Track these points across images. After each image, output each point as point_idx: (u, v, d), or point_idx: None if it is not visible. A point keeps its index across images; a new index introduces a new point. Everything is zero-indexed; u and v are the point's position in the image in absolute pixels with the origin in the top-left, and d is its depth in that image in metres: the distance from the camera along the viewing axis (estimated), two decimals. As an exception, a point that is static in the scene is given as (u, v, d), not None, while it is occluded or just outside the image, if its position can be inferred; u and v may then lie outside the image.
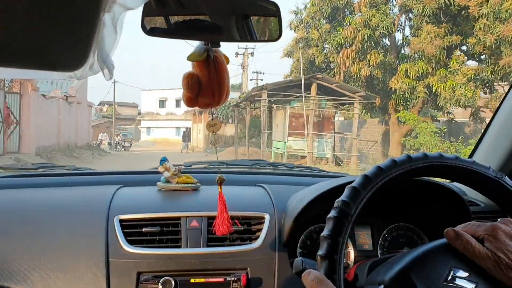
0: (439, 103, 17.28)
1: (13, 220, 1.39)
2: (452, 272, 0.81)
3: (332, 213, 0.81)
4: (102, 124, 44.62)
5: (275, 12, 0.98)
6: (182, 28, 0.94)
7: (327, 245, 0.79)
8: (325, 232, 0.80)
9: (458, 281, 0.79)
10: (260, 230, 1.40)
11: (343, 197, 0.82)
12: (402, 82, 17.53)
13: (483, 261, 0.80)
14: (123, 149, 32.42)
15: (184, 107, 40.17)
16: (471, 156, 1.76)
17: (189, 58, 0.96)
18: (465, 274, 0.80)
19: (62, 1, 0.54)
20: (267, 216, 1.43)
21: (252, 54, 33.71)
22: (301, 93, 18.21)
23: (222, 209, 1.34)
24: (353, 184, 0.83)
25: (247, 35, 0.99)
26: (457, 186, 1.57)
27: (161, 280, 1.27)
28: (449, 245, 0.85)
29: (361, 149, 20.70)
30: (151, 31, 0.92)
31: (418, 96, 17.71)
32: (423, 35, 16.79)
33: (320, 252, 0.79)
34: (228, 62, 1.01)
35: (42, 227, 1.37)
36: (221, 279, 1.31)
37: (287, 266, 1.34)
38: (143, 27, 0.90)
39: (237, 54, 33.54)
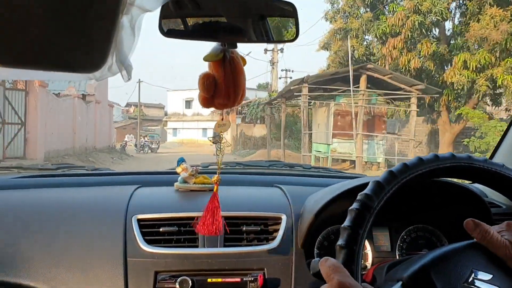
0: (504, 96, 15.15)
1: (33, 219, 1.42)
2: (473, 274, 0.80)
3: (354, 205, 0.81)
4: (128, 126, 44.33)
5: (292, 13, 0.98)
6: (199, 30, 0.94)
7: (347, 235, 0.78)
8: (346, 223, 0.80)
9: (479, 283, 0.78)
10: (277, 230, 1.40)
11: (366, 190, 0.82)
12: (461, 74, 15.11)
13: (501, 250, 0.82)
14: (150, 151, 31.45)
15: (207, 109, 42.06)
16: (491, 157, 1.73)
17: (205, 58, 0.97)
18: (487, 277, 0.79)
19: (81, 4, 0.55)
20: (284, 217, 1.43)
21: (281, 50, 31.78)
22: (346, 87, 15.44)
23: (213, 209, 1.32)
24: (377, 179, 0.83)
25: (264, 36, 0.99)
26: (478, 187, 1.55)
27: (178, 279, 1.28)
28: (472, 246, 0.85)
29: (402, 150, 18.20)
30: (169, 33, 0.93)
31: (479, 91, 15.22)
32: (486, 20, 14.51)
33: (339, 242, 0.79)
34: (245, 63, 1.00)
35: (61, 226, 1.39)
36: (238, 279, 1.31)
37: (304, 267, 1.34)
38: (161, 28, 0.91)
39: (266, 50, 31.97)
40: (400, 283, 0.83)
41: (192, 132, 43.76)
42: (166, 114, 49.95)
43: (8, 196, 1.58)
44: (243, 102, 21.80)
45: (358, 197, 0.82)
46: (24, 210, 1.46)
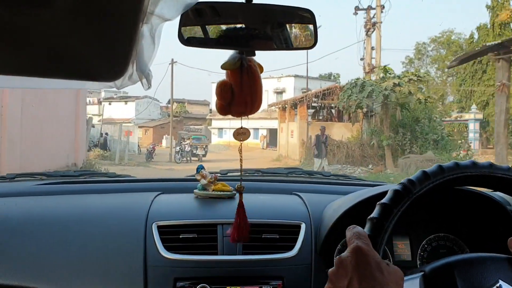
0: None
1: (55, 226, 1.44)
2: (498, 284, 0.78)
3: (373, 214, 0.81)
4: (167, 124, 37.22)
5: (310, 20, 0.98)
6: (218, 38, 0.95)
7: (381, 209, 0.79)
8: (383, 200, 0.81)
9: None
10: (296, 238, 1.39)
11: (385, 199, 0.83)
12: None
13: None
14: (195, 159, 23.81)
15: (264, 103, 35.41)
16: None
17: (223, 66, 0.97)
18: None
19: (101, 15, 0.56)
20: (303, 225, 1.42)
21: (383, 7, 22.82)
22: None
23: (242, 216, 1.33)
24: (397, 187, 0.83)
25: (283, 43, 1.00)
26: (500, 195, 1.52)
27: (198, 287, 1.28)
28: (508, 260, 0.83)
29: None
30: (188, 41, 0.94)
31: None
32: None
33: (371, 215, 0.79)
34: (262, 70, 1.01)
35: (82, 233, 1.41)
36: (257, 287, 1.31)
37: (323, 275, 1.32)
38: (180, 37, 0.92)
39: (357, 9, 23.53)
40: (421, 273, 0.82)
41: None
42: (211, 111, 43.21)
43: (32, 202, 1.61)
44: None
45: (377, 206, 0.81)
46: (47, 217, 1.49)
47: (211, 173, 1.65)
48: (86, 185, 1.83)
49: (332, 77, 41.02)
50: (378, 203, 0.83)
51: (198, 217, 1.45)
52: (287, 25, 0.99)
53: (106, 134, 27.99)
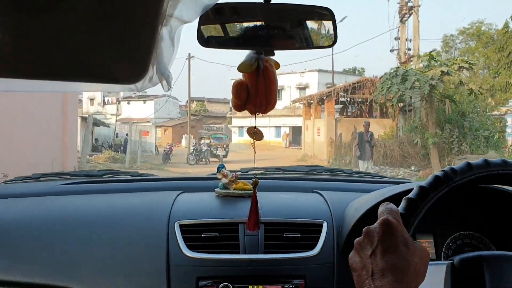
0: None
1: (79, 225, 1.46)
2: None
3: (437, 173, 0.82)
4: (186, 123, 35.34)
5: (329, 17, 0.97)
6: (237, 38, 0.95)
7: (418, 191, 0.80)
8: (422, 183, 0.82)
9: None
10: (317, 237, 1.39)
11: (410, 195, 0.83)
12: None
13: None
14: (214, 160, 22.34)
15: (285, 99, 33.17)
16: None
17: (240, 68, 0.98)
18: None
19: (121, 19, 0.56)
20: (325, 224, 1.41)
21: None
22: None
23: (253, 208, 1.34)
24: (422, 184, 0.83)
25: (303, 42, 0.99)
26: None
27: (220, 285, 1.28)
28: None
29: None
30: (207, 42, 0.94)
31: None
32: None
33: (408, 195, 0.80)
34: (278, 67, 1.02)
35: (106, 232, 1.43)
36: (279, 286, 1.31)
37: (346, 274, 1.31)
38: (199, 38, 0.92)
39: None
40: (449, 262, 0.81)
41: (263, 130, 37.49)
42: (231, 109, 40.17)
43: (57, 202, 1.64)
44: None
45: (415, 187, 0.81)
46: (72, 216, 1.52)
47: (231, 172, 1.65)
48: (109, 185, 1.85)
49: (356, 72, 39.50)
50: (417, 185, 0.83)
51: (219, 216, 1.45)
52: (306, 24, 0.98)
53: (127, 134, 26.41)
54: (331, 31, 0.99)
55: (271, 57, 0.99)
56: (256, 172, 2.10)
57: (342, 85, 22.07)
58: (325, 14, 0.97)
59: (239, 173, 1.68)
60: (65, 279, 1.33)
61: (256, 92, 0.97)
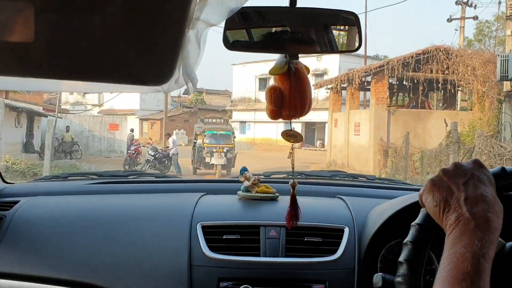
0: None
1: (105, 224, 1.50)
2: None
3: (416, 221, 0.80)
4: (178, 116, 32.62)
5: (354, 22, 0.98)
6: (262, 42, 0.96)
7: (407, 251, 0.79)
8: (407, 239, 0.80)
9: None
10: (339, 242, 1.38)
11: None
12: None
13: None
14: (208, 171, 14.94)
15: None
16: None
17: (271, 72, 0.99)
18: None
19: (149, 22, 0.58)
20: (346, 229, 1.41)
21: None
22: None
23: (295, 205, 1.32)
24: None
25: (327, 46, 1.00)
26: None
27: (241, 287, 1.29)
28: None
29: None
30: (232, 46, 0.95)
31: None
32: None
33: (400, 258, 0.79)
34: (308, 72, 1.01)
35: (130, 231, 1.46)
36: None
37: (366, 280, 1.30)
38: (225, 41, 0.94)
39: None
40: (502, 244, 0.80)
41: (267, 128, 27.81)
42: (232, 101, 34.94)
43: (83, 201, 1.68)
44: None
45: (421, 212, 0.80)
46: (97, 215, 1.55)
47: (254, 174, 1.66)
48: (134, 185, 1.89)
49: (378, 59, 30.91)
50: (422, 208, 0.81)
51: (241, 219, 1.46)
52: (331, 28, 0.98)
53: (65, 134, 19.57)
54: (356, 35, 0.99)
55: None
56: (278, 176, 2.10)
57: (400, 56, 14.90)
58: (350, 18, 0.97)
59: (262, 176, 1.69)
60: (89, 276, 1.36)
61: (290, 95, 0.97)
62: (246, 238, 1.40)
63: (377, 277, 0.98)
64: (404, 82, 15.58)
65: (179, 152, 15.90)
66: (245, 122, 31.76)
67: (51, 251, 1.43)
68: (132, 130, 20.47)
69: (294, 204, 1.31)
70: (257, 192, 1.60)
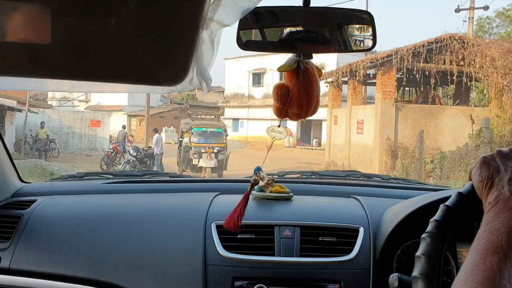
0: None
1: (120, 223, 1.51)
2: None
3: (434, 217, 0.79)
4: (168, 113, 30.44)
5: (369, 21, 0.97)
6: (276, 42, 0.96)
7: (425, 245, 0.78)
8: (462, 190, 0.79)
9: None
10: (354, 242, 1.37)
11: (448, 203, 0.79)
12: None
13: None
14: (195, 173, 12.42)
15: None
16: None
17: (280, 69, 0.98)
18: None
19: (164, 22, 0.58)
20: (361, 229, 1.40)
21: None
22: None
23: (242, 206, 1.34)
24: (461, 191, 0.80)
25: (341, 46, 0.99)
26: None
27: (255, 286, 1.29)
28: None
29: None
30: (246, 45, 0.95)
31: None
32: None
33: (446, 203, 0.79)
34: (320, 74, 1.01)
35: (145, 230, 1.47)
36: None
37: (382, 280, 1.30)
38: (238, 41, 0.94)
39: None
40: None
41: (261, 125, 25.50)
42: (224, 97, 32.93)
43: (99, 200, 1.70)
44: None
45: (439, 210, 0.79)
46: (113, 214, 1.57)
47: (268, 174, 1.66)
48: (149, 185, 1.90)
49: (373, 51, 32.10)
50: (440, 205, 0.81)
51: (255, 218, 1.46)
52: (345, 27, 0.98)
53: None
54: (370, 34, 0.98)
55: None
56: (292, 176, 2.10)
57: (410, 45, 13.37)
58: (364, 17, 0.97)
59: (276, 176, 1.68)
60: (105, 274, 1.38)
61: (297, 93, 0.97)
62: (260, 237, 1.40)
63: (393, 277, 0.97)
64: (411, 76, 14.14)
65: (168, 151, 14.55)
66: (238, 119, 29.82)
67: (67, 250, 1.45)
68: (124, 127, 18.55)
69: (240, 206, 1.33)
70: (271, 192, 1.60)
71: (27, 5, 0.57)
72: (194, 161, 13.10)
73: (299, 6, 0.90)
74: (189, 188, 1.86)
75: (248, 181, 1.82)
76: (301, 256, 1.35)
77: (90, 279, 1.38)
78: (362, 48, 1.01)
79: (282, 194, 1.60)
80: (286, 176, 2.04)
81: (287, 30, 0.97)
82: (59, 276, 1.40)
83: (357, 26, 1.01)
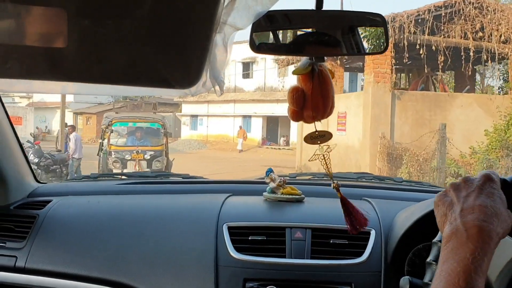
0: None
1: (134, 223, 1.53)
2: None
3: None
4: (120, 110, 17.89)
5: (381, 23, 0.97)
6: (288, 45, 0.97)
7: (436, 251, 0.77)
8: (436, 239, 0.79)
9: None
10: (365, 245, 1.37)
11: None
12: None
13: None
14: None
15: (257, 77, 21.73)
16: None
17: (295, 72, 0.99)
18: None
19: (178, 25, 0.59)
20: (372, 232, 1.40)
21: None
22: None
23: (352, 207, 1.25)
24: None
25: (354, 49, 0.99)
26: None
27: None
28: None
29: None
30: (259, 48, 0.96)
31: None
32: None
33: (428, 259, 0.80)
34: (333, 76, 1.01)
35: (158, 230, 1.49)
36: None
37: (393, 284, 1.29)
38: (251, 44, 0.95)
39: None
40: None
41: (223, 122, 24.44)
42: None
43: (113, 200, 1.72)
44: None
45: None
46: (127, 214, 1.59)
47: (279, 176, 1.67)
48: (161, 186, 1.92)
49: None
50: None
51: (267, 220, 1.47)
52: (358, 30, 0.98)
53: None
54: (383, 37, 0.98)
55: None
56: (304, 177, 2.10)
57: (412, 10, 10.23)
58: (377, 20, 0.97)
59: (287, 178, 1.69)
60: (117, 274, 1.39)
61: (312, 96, 0.97)
62: (271, 239, 1.40)
63: (404, 280, 0.97)
64: (404, 54, 10.09)
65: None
66: (196, 116, 26.53)
67: (81, 249, 1.46)
68: (70, 126, 14.81)
69: (347, 210, 1.24)
70: (282, 193, 1.61)
71: (44, 9, 0.58)
72: (115, 171, 9.00)
73: (312, 10, 0.90)
74: (201, 189, 1.87)
75: (260, 182, 1.83)
76: (312, 258, 1.36)
77: (104, 279, 1.39)
78: (374, 51, 1.01)
79: (294, 196, 1.60)
80: (297, 177, 2.04)
81: (299, 33, 0.98)
82: (73, 275, 1.42)
83: (370, 27, 1.01)
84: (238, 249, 1.37)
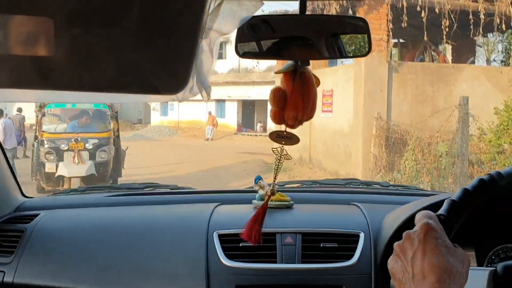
0: None
1: (123, 235, 1.52)
2: None
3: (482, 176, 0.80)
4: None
5: (364, 28, 0.99)
6: (273, 50, 0.98)
7: (461, 193, 0.79)
8: (466, 186, 0.80)
9: None
10: (355, 248, 1.38)
11: (441, 211, 0.80)
12: None
13: None
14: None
15: (231, 58, 19.68)
16: None
17: (277, 72, 1.00)
18: None
19: (165, 33, 0.60)
20: (361, 234, 1.41)
21: None
22: None
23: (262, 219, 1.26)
24: (453, 198, 0.81)
25: (337, 52, 1.01)
26: None
27: None
28: None
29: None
30: (244, 54, 0.98)
31: None
32: None
33: (451, 197, 0.79)
34: (318, 83, 1.02)
35: (148, 241, 1.48)
36: None
37: (384, 285, 1.30)
38: (237, 49, 0.96)
39: None
40: (492, 269, 0.79)
41: (195, 108, 22.58)
42: None
43: (102, 213, 1.71)
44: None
45: (444, 204, 0.81)
46: (116, 226, 1.58)
47: (269, 184, 1.68)
48: (150, 197, 1.91)
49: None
50: (461, 188, 0.82)
51: None
52: (341, 34, 1.00)
53: None
54: (366, 41, 1.00)
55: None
56: (293, 185, 2.11)
57: None
58: (360, 24, 0.99)
59: (277, 185, 1.70)
60: (108, 285, 1.38)
61: (293, 96, 0.98)
62: (262, 245, 1.40)
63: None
64: (405, 26, 8.42)
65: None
66: (167, 101, 24.81)
67: (70, 263, 1.45)
68: (19, 110, 13.66)
69: (258, 218, 1.25)
70: (272, 200, 1.61)
71: (31, 18, 0.58)
72: (49, 166, 7.63)
73: (295, 14, 0.92)
74: (190, 199, 1.87)
75: (248, 191, 1.84)
76: (303, 262, 1.36)
77: None
78: (357, 54, 1.04)
79: (283, 203, 1.61)
80: (286, 185, 2.05)
81: (284, 37, 1.00)
82: None
83: (352, 32, 1.03)
84: (229, 256, 1.38)
